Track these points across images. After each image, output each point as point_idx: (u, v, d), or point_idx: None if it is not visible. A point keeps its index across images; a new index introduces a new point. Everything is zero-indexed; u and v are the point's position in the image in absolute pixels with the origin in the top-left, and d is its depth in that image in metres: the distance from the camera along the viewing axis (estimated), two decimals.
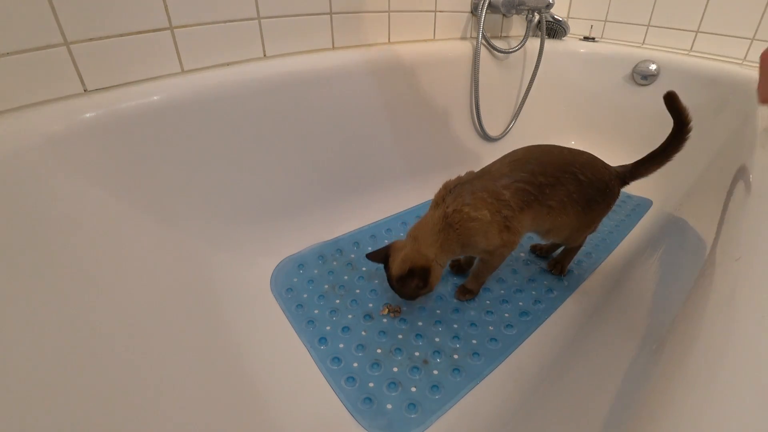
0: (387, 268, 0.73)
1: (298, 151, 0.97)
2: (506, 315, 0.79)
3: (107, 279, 0.61)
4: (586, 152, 0.75)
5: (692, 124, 0.71)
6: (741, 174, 0.68)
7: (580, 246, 0.86)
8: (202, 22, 0.80)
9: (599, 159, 0.75)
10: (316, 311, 0.79)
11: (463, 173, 0.76)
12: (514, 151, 0.75)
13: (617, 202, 1.14)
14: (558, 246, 0.91)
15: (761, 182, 0.57)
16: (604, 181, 0.72)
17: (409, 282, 0.69)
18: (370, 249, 0.95)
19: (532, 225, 0.73)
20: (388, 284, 0.74)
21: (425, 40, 1.18)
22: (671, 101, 0.70)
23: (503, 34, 1.40)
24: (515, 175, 0.69)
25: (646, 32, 1.36)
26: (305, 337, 0.74)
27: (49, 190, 0.61)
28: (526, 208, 0.69)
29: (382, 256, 0.74)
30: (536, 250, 0.95)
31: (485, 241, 0.70)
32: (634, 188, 1.17)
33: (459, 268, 0.89)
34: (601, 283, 0.88)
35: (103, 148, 0.69)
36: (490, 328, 0.77)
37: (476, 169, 0.76)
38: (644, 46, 1.37)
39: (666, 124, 1.22)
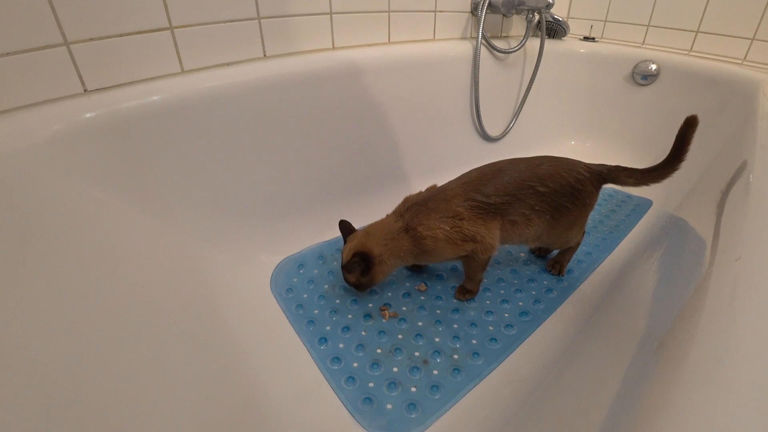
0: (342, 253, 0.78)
1: (298, 151, 0.97)
2: (506, 315, 0.79)
3: (107, 279, 0.61)
4: (548, 160, 0.74)
5: (683, 164, 0.72)
6: (741, 174, 0.68)
7: (576, 246, 0.86)
8: (202, 22, 0.80)
9: (566, 162, 0.74)
10: (316, 311, 0.79)
11: (462, 173, 0.77)
12: (468, 172, 0.76)
13: (617, 201, 1.15)
14: None
15: (761, 182, 0.57)
16: (570, 185, 0.72)
17: (352, 268, 0.72)
18: None
19: (501, 236, 0.74)
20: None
21: (425, 40, 1.18)
22: (688, 127, 0.69)
23: (503, 34, 1.40)
24: (467, 195, 0.71)
25: (646, 32, 1.36)
26: (305, 337, 0.74)
27: (49, 190, 0.61)
28: (488, 219, 0.71)
29: (346, 233, 0.81)
30: (535, 251, 0.95)
31: (446, 253, 0.73)
32: (634, 188, 1.17)
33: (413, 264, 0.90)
34: (600, 283, 0.88)
35: (103, 148, 0.69)
36: (490, 328, 0.77)
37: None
38: (644, 46, 1.37)
39: (665, 125, 1.22)
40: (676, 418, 0.28)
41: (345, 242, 0.79)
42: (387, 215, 0.78)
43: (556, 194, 0.72)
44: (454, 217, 0.70)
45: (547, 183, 0.71)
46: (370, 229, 0.76)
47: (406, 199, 0.78)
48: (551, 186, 0.71)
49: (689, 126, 0.69)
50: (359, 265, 0.72)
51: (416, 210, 0.72)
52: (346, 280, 0.78)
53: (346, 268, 0.73)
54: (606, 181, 0.76)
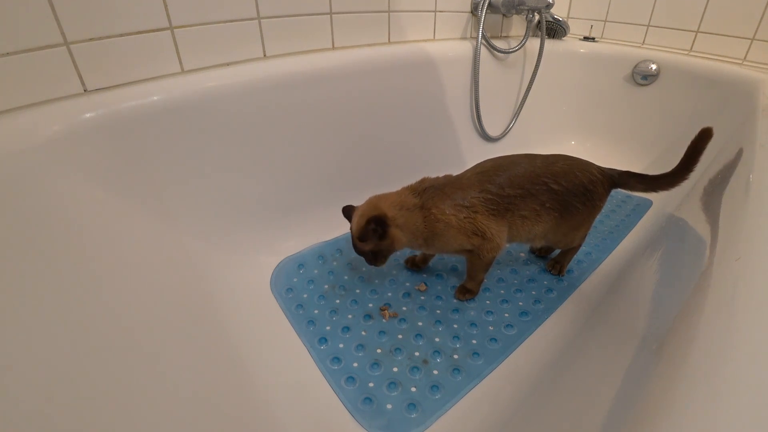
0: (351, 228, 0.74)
1: (298, 151, 0.97)
2: (506, 315, 0.79)
3: (107, 279, 0.61)
4: (563, 158, 0.74)
5: (692, 174, 0.72)
6: (741, 174, 0.68)
7: (578, 247, 0.86)
8: (202, 22, 0.80)
9: (581, 162, 0.74)
10: (316, 311, 0.79)
11: (476, 163, 0.77)
12: (482, 162, 0.76)
13: (617, 201, 1.15)
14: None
15: (761, 182, 0.57)
16: (582, 186, 0.72)
17: (366, 235, 0.69)
18: None
19: (510, 233, 0.74)
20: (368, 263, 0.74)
21: (425, 40, 1.18)
22: (702, 139, 0.69)
23: (503, 34, 1.40)
24: (482, 186, 0.71)
25: (646, 32, 1.36)
26: (305, 337, 0.74)
27: (49, 190, 0.61)
28: (498, 216, 0.71)
29: (350, 213, 0.76)
30: (535, 251, 0.95)
31: (453, 242, 0.72)
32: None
33: (413, 264, 0.90)
34: (600, 283, 0.88)
35: (103, 148, 0.69)
36: (490, 328, 0.77)
37: None
38: (644, 46, 1.37)
39: (665, 125, 1.22)
40: (676, 418, 0.28)
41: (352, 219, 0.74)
42: (401, 188, 0.75)
43: (568, 193, 0.72)
44: (469, 207, 0.70)
45: (560, 181, 0.71)
46: (383, 195, 0.73)
47: (423, 180, 0.75)
48: (564, 184, 0.71)
49: (703, 137, 0.70)
50: (376, 232, 0.68)
51: (433, 192, 0.71)
52: (360, 252, 0.72)
53: (360, 237, 0.69)
54: (616, 186, 0.76)
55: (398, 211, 0.70)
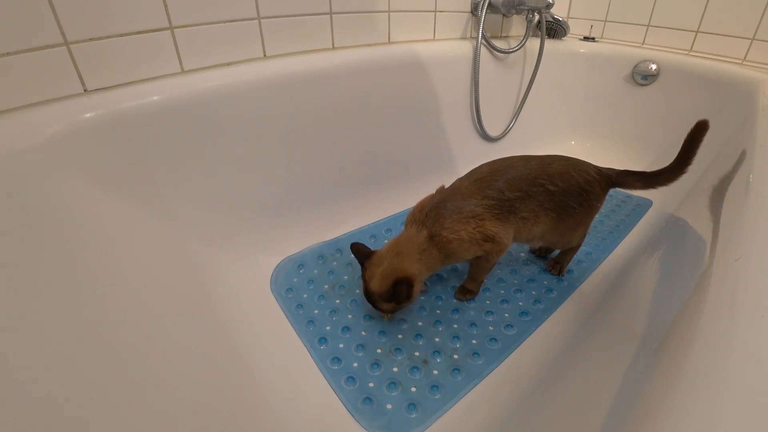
0: (364, 279, 0.72)
1: (298, 151, 0.97)
2: (506, 315, 0.79)
3: (107, 279, 0.61)
4: (558, 159, 0.74)
5: (689, 168, 0.71)
6: (741, 174, 0.68)
7: (577, 247, 0.86)
8: (202, 22, 0.80)
9: (577, 162, 0.74)
10: (316, 311, 0.79)
11: (461, 174, 0.77)
12: (479, 168, 0.75)
13: (617, 201, 1.15)
14: None
15: (761, 182, 0.57)
16: (578, 186, 0.72)
17: (401, 297, 0.68)
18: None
19: (513, 235, 0.74)
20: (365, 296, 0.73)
21: (425, 40, 1.18)
22: (698, 131, 0.69)
23: (503, 34, 1.40)
24: (483, 192, 0.70)
25: (646, 32, 1.36)
26: (305, 337, 0.74)
27: (49, 190, 0.61)
28: (503, 219, 0.71)
29: (363, 256, 0.74)
30: (535, 251, 0.95)
31: (467, 254, 0.72)
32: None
33: None
34: (601, 283, 0.88)
35: (103, 148, 0.69)
36: (490, 328, 0.77)
37: None
38: (644, 46, 1.37)
39: (665, 125, 1.22)
40: (676, 418, 0.28)
41: (364, 266, 0.72)
42: (405, 228, 0.74)
43: (564, 193, 0.72)
44: (475, 217, 0.69)
45: (556, 182, 0.71)
46: (397, 248, 0.70)
47: (421, 205, 0.75)
48: (560, 185, 0.71)
49: (699, 130, 0.69)
50: (408, 292, 0.67)
51: (436, 214, 0.70)
52: (379, 309, 0.72)
53: (386, 299, 0.68)
54: (614, 185, 0.76)
55: (419, 263, 0.69)
